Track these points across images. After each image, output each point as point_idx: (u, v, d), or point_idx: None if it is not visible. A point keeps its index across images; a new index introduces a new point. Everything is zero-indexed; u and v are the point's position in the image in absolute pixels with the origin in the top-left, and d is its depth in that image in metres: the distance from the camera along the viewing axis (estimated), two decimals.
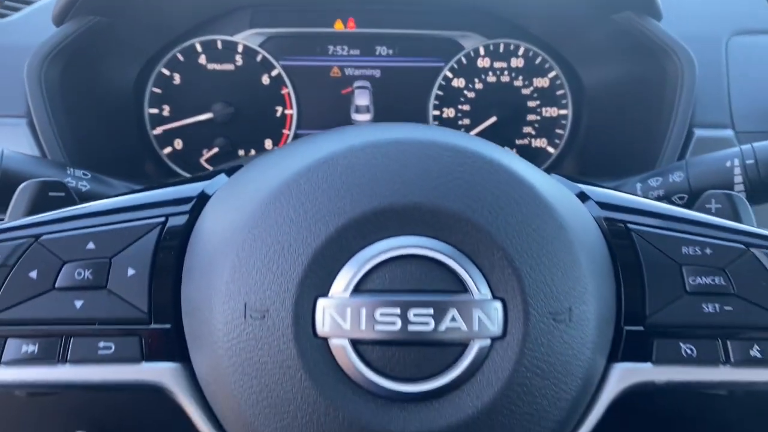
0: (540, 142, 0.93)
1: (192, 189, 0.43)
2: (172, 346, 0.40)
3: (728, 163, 0.58)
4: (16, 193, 0.46)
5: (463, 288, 0.37)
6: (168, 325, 0.40)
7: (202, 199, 0.43)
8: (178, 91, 0.88)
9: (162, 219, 0.41)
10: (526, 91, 0.92)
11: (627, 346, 0.42)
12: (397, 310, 0.36)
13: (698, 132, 0.72)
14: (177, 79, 0.88)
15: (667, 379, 0.41)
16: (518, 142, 0.93)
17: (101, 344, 0.39)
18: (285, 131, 0.90)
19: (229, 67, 0.89)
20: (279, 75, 0.89)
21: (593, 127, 0.90)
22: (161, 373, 0.40)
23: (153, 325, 0.40)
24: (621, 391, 0.41)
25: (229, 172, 0.46)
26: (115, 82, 0.83)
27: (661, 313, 0.41)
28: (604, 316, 0.40)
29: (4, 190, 0.53)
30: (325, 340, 0.37)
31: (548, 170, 0.92)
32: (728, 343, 0.41)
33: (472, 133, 0.91)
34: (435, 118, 0.92)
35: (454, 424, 0.36)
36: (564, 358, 0.38)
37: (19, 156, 0.55)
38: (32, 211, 0.46)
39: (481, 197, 0.38)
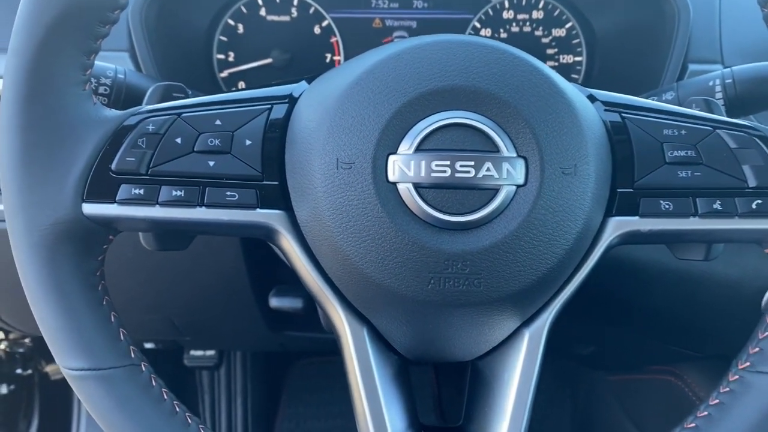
0: None
1: (286, 89, 0.57)
2: (278, 197, 0.54)
3: (711, 83, 0.71)
4: (149, 92, 0.60)
5: (496, 148, 0.50)
6: (276, 182, 0.54)
7: (298, 91, 0.57)
8: (241, 39, 1.02)
9: (269, 106, 0.55)
10: (545, 40, 1.04)
11: (619, 204, 0.55)
12: (447, 162, 0.49)
13: (692, 66, 0.84)
14: (240, 28, 1.01)
15: (650, 228, 0.54)
16: None
17: (228, 193, 0.53)
18: None
19: (285, 18, 1.02)
20: (328, 25, 1.02)
21: (604, 70, 1.02)
22: (271, 216, 0.53)
23: (265, 182, 0.53)
24: (614, 238, 0.55)
25: (309, 80, 0.59)
26: (192, 29, 0.97)
27: (646, 177, 0.54)
28: (601, 176, 0.53)
29: (129, 98, 0.68)
30: (394, 185, 0.50)
31: None
32: (697, 200, 0.54)
33: None
34: None
35: (486, 245, 0.50)
36: (569, 203, 0.51)
37: (138, 74, 0.70)
38: None
39: (510, 81, 0.51)
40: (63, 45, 0.50)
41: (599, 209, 0.54)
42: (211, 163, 0.53)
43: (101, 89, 0.66)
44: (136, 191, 0.51)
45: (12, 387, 1.53)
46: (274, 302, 0.80)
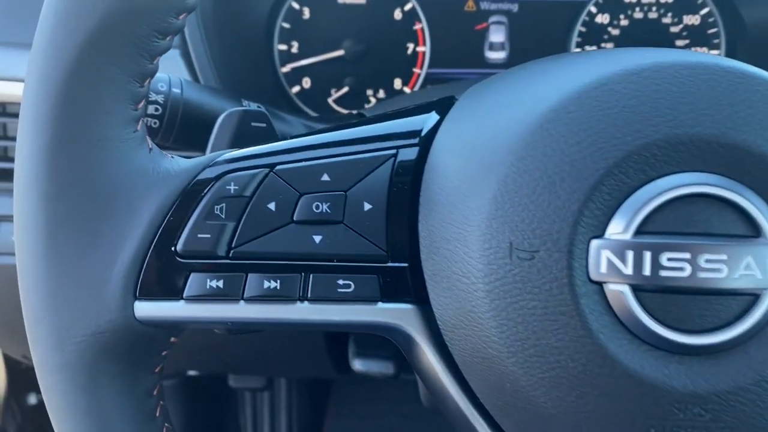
0: None
1: (416, 121, 0.40)
2: (409, 285, 0.37)
3: None
4: (219, 121, 0.43)
5: (758, 232, 0.33)
6: (405, 263, 0.37)
7: (432, 128, 0.40)
8: (307, 26, 0.84)
9: (393, 151, 0.38)
10: (674, 29, 0.85)
11: None
12: (687, 255, 0.32)
13: None
14: (306, 13, 0.84)
15: None
16: None
17: (340, 281, 0.36)
18: (416, 70, 0.86)
19: (360, 0, 0.84)
20: (412, 9, 0.85)
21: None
22: (399, 314, 0.37)
23: (390, 263, 0.37)
24: None
25: (439, 108, 0.42)
26: (252, 12, 0.80)
27: None
28: None
29: (187, 120, 0.51)
30: (600, 285, 0.33)
31: None
32: None
33: None
34: None
35: (743, 382, 0.33)
36: None
37: (198, 85, 0.53)
38: (235, 141, 0.43)
39: None
40: (105, 67, 0.33)
41: None
42: (318, 239, 0.36)
43: (150, 109, 0.49)
44: (213, 283, 0.35)
45: (41, 397, 1.42)
46: (358, 366, 0.64)
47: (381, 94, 0.86)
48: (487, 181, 0.34)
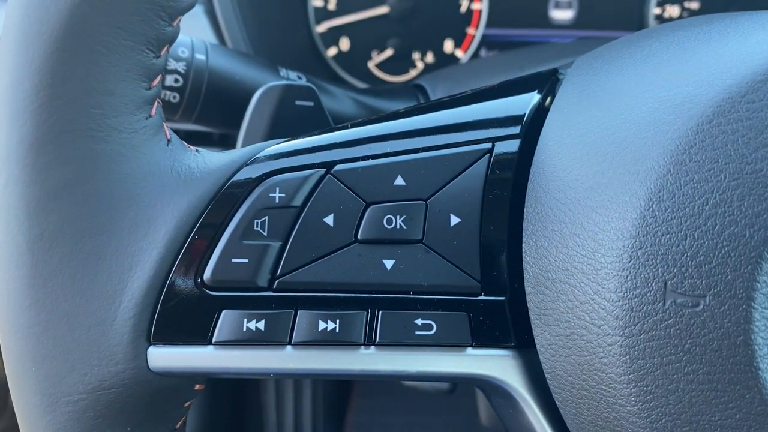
0: None
1: (512, 104, 0.30)
2: (506, 326, 0.28)
3: None
4: (255, 98, 0.34)
5: None
6: (502, 297, 0.28)
7: (534, 116, 0.30)
8: None
9: (487, 145, 0.29)
10: None
11: None
12: None
13: None
14: None
15: None
16: None
17: (419, 321, 0.27)
18: (470, 30, 0.75)
19: None
20: None
21: None
22: (494, 363, 0.28)
23: (484, 297, 0.28)
24: None
25: (542, 86, 0.32)
26: None
27: None
28: None
29: (213, 94, 0.42)
30: None
31: None
32: None
33: None
34: (656, 17, 0.75)
35: None
36: None
37: (225, 50, 0.43)
38: (276, 125, 0.34)
39: None
40: (105, 31, 0.24)
41: None
42: (389, 264, 0.27)
43: (169, 80, 0.40)
44: (252, 324, 0.26)
45: None
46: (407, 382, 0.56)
47: (429, 58, 0.76)
48: (631, 195, 0.25)
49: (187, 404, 0.29)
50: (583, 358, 0.26)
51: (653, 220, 0.24)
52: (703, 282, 0.24)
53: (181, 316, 0.26)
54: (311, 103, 0.35)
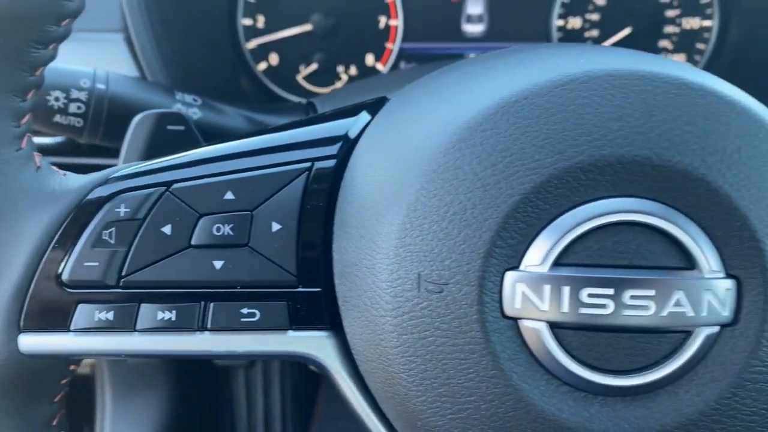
0: (677, 58, 0.82)
1: (339, 126, 0.37)
2: (321, 312, 0.34)
3: None
4: (131, 126, 0.40)
5: (691, 264, 0.30)
6: (318, 289, 0.34)
7: (353, 137, 0.36)
8: (275, 0, 0.80)
9: (307, 164, 0.35)
10: None
11: None
12: (610, 291, 0.29)
13: None
14: None
15: None
16: None
17: (244, 310, 0.34)
18: (388, 45, 0.82)
19: None
20: None
21: (744, 43, 0.77)
22: (310, 342, 0.34)
23: (301, 288, 0.34)
24: None
25: (371, 108, 0.38)
26: None
27: None
28: None
29: (113, 118, 0.48)
30: (515, 321, 0.30)
31: None
32: None
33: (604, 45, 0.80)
34: (559, 29, 0.81)
35: (669, 425, 0.30)
36: None
37: (126, 79, 0.49)
38: (150, 148, 0.40)
39: (718, 149, 0.30)
40: None
41: None
42: (218, 264, 0.34)
43: (72, 107, 0.46)
44: (103, 315, 0.33)
45: None
46: None
47: (353, 70, 0.82)
48: (397, 205, 0.31)
49: (63, 381, 0.36)
50: (370, 336, 0.32)
51: (410, 225, 0.31)
52: (446, 273, 0.30)
53: (45, 309, 0.33)
54: (182, 127, 0.41)
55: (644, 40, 0.81)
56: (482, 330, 0.30)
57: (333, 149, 0.36)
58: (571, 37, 0.81)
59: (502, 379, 0.30)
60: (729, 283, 0.30)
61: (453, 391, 0.31)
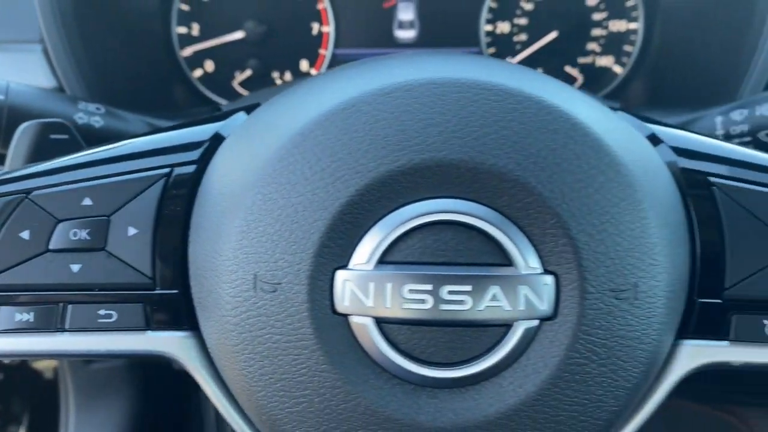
0: (605, 61, 0.83)
1: (203, 132, 0.38)
2: (179, 313, 0.36)
3: None
4: (15, 135, 0.42)
5: (508, 260, 0.31)
6: (175, 291, 0.36)
7: (215, 143, 0.38)
8: (207, 7, 0.81)
9: (166, 170, 0.36)
10: (591, 2, 0.82)
11: (700, 321, 0.35)
12: (429, 287, 0.31)
13: None
14: None
15: (745, 360, 0.35)
16: (581, 60, 0.83)
17: (102, 312, 0.35)
18: (322, 51, 0.83)
19: None
20: None
21: (667, 44, 0.79)
22: (168, 342, 0.36)
23: (158, 291, 0.36)
24: (689, 372, 0.36)
25: (249, 110, 0.40)
26: (138, 2, 0.77)
27: (743, 284, 0.35)
28: (675, 289, 0.34)
29: (11, 128, 0.49)
30: (345, 317, 0.32)
31: (615, 93, 0.84)
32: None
33: (530, 50, 0.82)
34: (488, 34, 0.83)
35: (493, 415, 0.32)
36: (625, 341, 0.32)
37: (27, 89, 0.51)
38: (33, 157, 0.42)
39: (532, 152, 0.31)
40: None
41: (669, 332, 0.35)
42: (76, 268, 0.35)
43: None
44: None
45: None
46: None
47: (288, 76, 0.84)
48: (237, 209, 0.33)
49: None
50: (217, 335, 0.34)
51: (247, 227, 0.32)
52: (279, 273, 0.32)
53: None
54: (66, 136, 0.43)
55: (572, 43, 0.82)
56: (313, 327, 0.31)
57: (194, 155, 0.37)
58: (500, 41, 0.83)
59: (332, 374, 0.31)
60: (547, 279, 0.31)
61: (289, 386, 0.32)
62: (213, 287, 0.33)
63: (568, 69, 0.83)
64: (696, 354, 0.36)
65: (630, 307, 0.32)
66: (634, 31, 0.82)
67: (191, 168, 0.37)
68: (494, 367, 0.32)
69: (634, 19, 0.81)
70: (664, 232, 0.33)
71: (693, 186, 0.36)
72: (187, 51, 0.82)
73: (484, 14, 0.82)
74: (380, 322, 0.31)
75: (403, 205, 0.31)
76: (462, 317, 0.31)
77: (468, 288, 0.31)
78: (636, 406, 0.36)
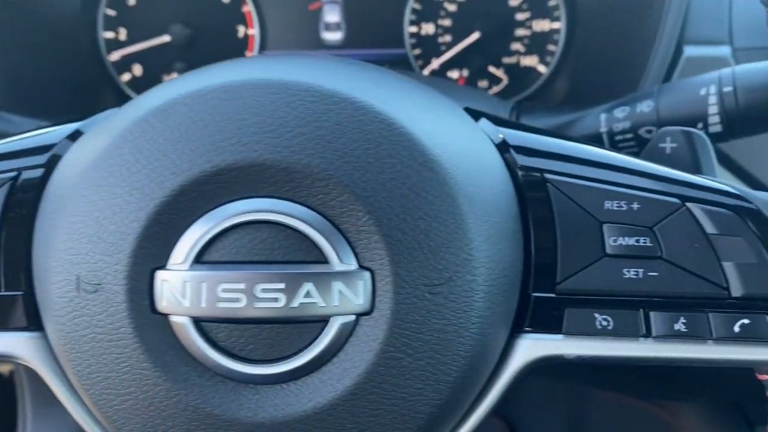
0: (530, 60, 0.84)
1: (53, 136, 0.39)
2: (24, 314, 0.36)
3: (703, 91, 0.50)
4: None
5: (323, 258, 0.32)
6: (20, 292, 0.36)
7: (64, 147, 0.38)
8: (133, 12, 0.82)
9: (13, 174, 0.37)
10: (513, 2, 0.82)
11: (534, 316, 0.36)
12: (242, 285, 0.31)
13: (689, 50, 0.63)
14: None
15: (578, 353, 0.36)
16: (506, 60, 0.84)
17: None
18: (248, 54, 0.84)
19: None
20: None
21: (586, 43, 0.80)
22: (15, 343, 0.36)
23: (3, 292, 0.36)
24: (525, 366, 0.37)
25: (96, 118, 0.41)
26: (60, 5, 0.77)
27: (575, 278, 0.36)
28: (499, 283, 0.34)
29: None
30: (165, 316, 0.33)
31: (539, 92, 0.85)
32: (651, 314, 0.35)
33: (454, 51, 0.83)
34: (412, 35, 0.84)
35: (312, 409, 0.32)
36: (442, 335, 0.33)
37: None
38: None
39: (346, 151, 0.32)
40: None
41: (500, 326, 0.35)
42: None
43: None
44: None
45: None
46: None
47: None
48: (63, 211, 0.34)
49: None
50: (53, 334, 0.35)
51: (70, 229, 0.33)
52: (100, 273, 0.32)
53: None
54: None
55: (496, 43, 0.83)
56: (132, 326, 0.32)
57: (41, 159, 0.38)
58: (425, 42, 0.84)
59: (153, 372, 0.32)
60: (362, 275, 0.32)
61: (115, 384, 0.33)
62: (46, 288, 0.34)
63: (493, 69, 0.84)
64: (532, 348, 0.36)
65: (445, 301, 0.33)
66: (557, 31, 0.83)
67: (39, 172, 0.37)
68: (313, 362, 0.32)
69: (557, 19, 0.82)
70: (483, 228, 0.34)
71: (529, 183, 0.37)
72: (115, 55, 0.83)
73: (408, 16, 0.83)
74: (198, 321, 0.32)
75: (219, 206, 0.32)
76: (276, 314, 0.32)
77: (281, 285, 0.31)
78: (477, 399, 0.37)
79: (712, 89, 0.49)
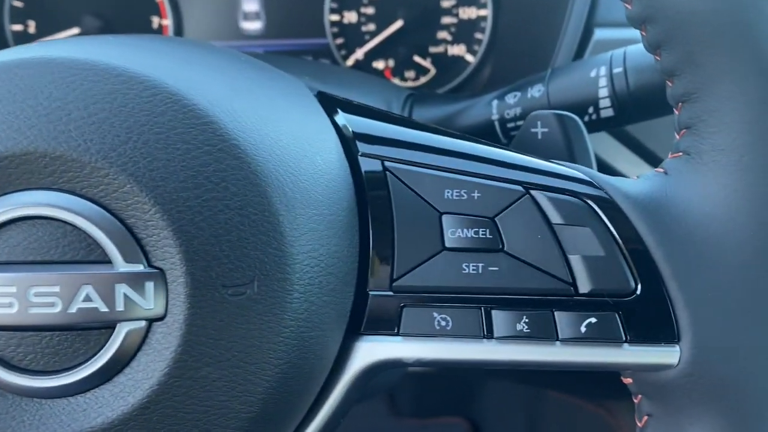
0: (457, 49, 0.81)
1: None
2: None
3: (593, 73, 0.46)
4: None
5: (105, 257, 0.29)
6: None
7: None
8: (42, 3, 0.79)
9: None
10: None
11: (371, 316, 0.33)
12: (13, 289, 0.28)
13: (599, 32, 0.59)
14: None
15: (416, 357, 0.33)
16: (432, 49, 0.81)
17: None
18: None
19: None
20: None
21: (507, 29, 0.77)
22: None
23: None
24: (361, 372, 0.33)
25: None
26: None
27: (412, 274, 0.33)
28: (328, 282, 0.31)
29: None
30: None
31: (467, 82, 0.82)
32: (492, 313, 0.32)
33: (377, 40, 0.80)
34: (333, 24, 0.80)
35: (100, 426, 0.29)
36: (248, 341, 0.29)
37: None
38: None
39: (129, 135, 0.28)
40: None
41: (329, 328, 0.32)
42: None
43: None
44: None
45: None
46: None
47: None
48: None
49: None
50: None
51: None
52: None
53: None
54: None
55: (421, 32, 0.80)
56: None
57: None
58: (348, 31, 0.80)
59: None
60: (152, 276, 0.29)
61: None
62: None
63: (419, 60, 0.81)
64: (370, 351, 0.33)
65: (251, 303, 0.29)
66: (484, 18, 0.79)
67: None
68: (99, 373, 0.29)
69: (483, 6, 0.79)
70: (299, 221, 0.30)
71: (369, 172, 0.34)
72: None
73: (329, 4, 0.80)
74: None
75: None
76: (53, 321, 0.28)
77: (56, 289, 0.28)
78: (314, 406, 0.34)
79: (603, 71, 0.46)
